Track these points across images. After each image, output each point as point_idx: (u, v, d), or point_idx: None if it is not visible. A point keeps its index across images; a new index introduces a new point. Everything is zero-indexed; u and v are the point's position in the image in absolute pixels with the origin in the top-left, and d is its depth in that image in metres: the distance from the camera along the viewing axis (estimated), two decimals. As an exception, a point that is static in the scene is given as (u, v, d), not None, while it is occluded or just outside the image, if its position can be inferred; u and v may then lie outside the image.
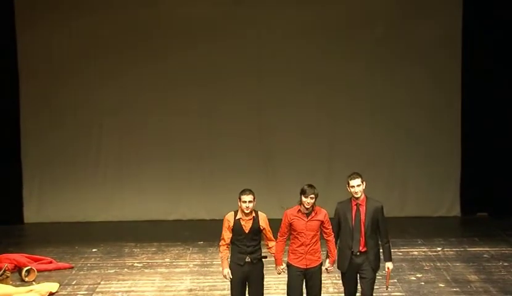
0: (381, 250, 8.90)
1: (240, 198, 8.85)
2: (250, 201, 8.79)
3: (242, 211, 8.82)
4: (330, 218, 8.83)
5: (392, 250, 12.44)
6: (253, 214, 8.85)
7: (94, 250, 13.27)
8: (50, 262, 12.30)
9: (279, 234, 8.79)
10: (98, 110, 15.52)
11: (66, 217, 15.43)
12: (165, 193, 15.55)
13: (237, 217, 8.86)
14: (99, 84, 15.44)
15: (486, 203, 15.58)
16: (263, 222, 8.89)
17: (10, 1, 15.08)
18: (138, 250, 13.24)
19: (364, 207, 8.73)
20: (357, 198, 8.73)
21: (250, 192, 8.85)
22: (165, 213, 15.55)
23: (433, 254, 12.68)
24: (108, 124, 15.56)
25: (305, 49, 15.38)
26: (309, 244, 8.66)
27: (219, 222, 14.71)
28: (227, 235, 8.88)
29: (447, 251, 12.89)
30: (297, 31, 15.37)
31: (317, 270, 8.76)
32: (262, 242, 8.97)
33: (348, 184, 8.77)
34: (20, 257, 12.16)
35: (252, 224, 8.82)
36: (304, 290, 8.86)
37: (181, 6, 15.26)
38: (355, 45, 15.39)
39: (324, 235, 8.75)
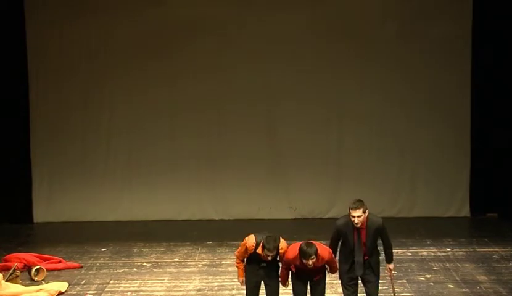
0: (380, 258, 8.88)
1: (263, 246, 8.47)
2: (272, 255, 8.51)
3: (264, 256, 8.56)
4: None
5: (401, 250, 12.60)
6: None
7: (103, 249, 13.28)
8: (60, 261, 12.32)
9: (283, 264, 8.65)
10: (108, 109, 15.55)
11: (76, 216, 15.45)
12: (174, 193, 15.54)
13: (257, 251, 8.58)
14: (109, 83, 15.48)
15: (496, 204, 15.51)
16: (282, 249, 8.59)
17: (20, 6, 15.13)
18: (147, 249, 13.25)
19: (365, 229, 8.57)
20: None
21: (275, 241, 8.46)
22: (174, 212, 15.54)
23: (442, 255, 12.64)
24: (117, 125, 15.56)
25: (315, 49, 15.34)
26: (312, 273, 8.64)
27: (228, 222, 14.97)
28: (243, 255, 8.74)
29: (456, 251, 12.84)
30: (306, 29, 15.32)
31: (321, 278, 8.71)
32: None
33: (350, 212, 8.54)
34: (29, 256, 12.19)
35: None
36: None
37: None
38: (364, 46, 15.32)
39: (328, 270, 8.74)
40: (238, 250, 8.83)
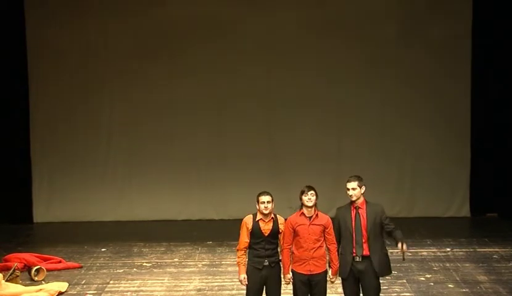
0: (388, 254, 8.78)
1: (258, 200, 8.71)
2: (268, 202, 8.67)
3: (261, 212, 8.68)
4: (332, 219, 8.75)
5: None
6: (273, 217, 8.73)
7: (103, 249, 13.29)
8: (60, 261, 12.32)
9: (283, 242, 8.67)
10: (108, 109, 15.56)
11: (76, 216, 15.47)
12: (174, 193, 15.56)
13: (256, 220, 8.72)
14: (109, 83, 15.50)
15: (496, 204, 15.53)
16: (282, 225, 8.74)
17: (20, 6, 15.13)
18: (147, 249, 13.25)
19: (365, 210, 8.56)
20: (354, 202, 8.58)
21: (268, 193, 8.74)
22: (174, 212, 15.56)
23: (442, 255, 12.65)
24: (117, 125, 15.58)
25: (315, 49, 15.38)
26: (312, 249, 8.57)
27: (228, 222, 14.95)
28: (245, 239, 8.73)
29: (456, 251, 12.85)
30: (306, 30, 15.35)
31: (323, 278, 8.66)
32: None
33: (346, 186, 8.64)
34: (29, 256, 12.19)
35: (272, 226, 8.70)
36: None
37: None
38: (365, 47, 15.35)
39: (327, 242, 8.62)
40: (239, 240, 8.80)
